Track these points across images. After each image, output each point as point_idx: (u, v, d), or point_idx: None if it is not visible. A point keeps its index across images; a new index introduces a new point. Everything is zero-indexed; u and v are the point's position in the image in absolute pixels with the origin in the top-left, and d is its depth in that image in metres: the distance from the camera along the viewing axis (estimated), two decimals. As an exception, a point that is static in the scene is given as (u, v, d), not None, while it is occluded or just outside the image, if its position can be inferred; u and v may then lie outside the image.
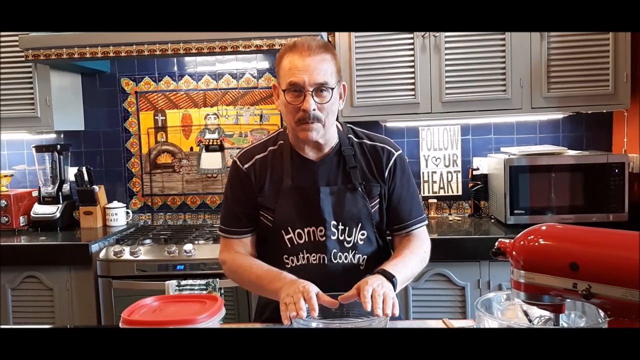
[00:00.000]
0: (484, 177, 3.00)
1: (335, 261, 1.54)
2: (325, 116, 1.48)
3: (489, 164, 3.00)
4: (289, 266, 1.56)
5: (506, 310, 1.25)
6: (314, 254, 1.54)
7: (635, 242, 0.96)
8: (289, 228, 1.55)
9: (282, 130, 1.65)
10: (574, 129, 3.07)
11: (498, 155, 2.84)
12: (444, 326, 1.45)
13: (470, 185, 3.03)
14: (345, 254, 1.55)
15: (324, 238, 1.54)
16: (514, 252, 1.08)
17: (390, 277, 1.39)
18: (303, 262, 1.55)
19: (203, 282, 2.47)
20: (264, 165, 1.59)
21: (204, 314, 1.19)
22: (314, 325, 1.25)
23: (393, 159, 1.60)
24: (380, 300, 1.27)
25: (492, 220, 2.90)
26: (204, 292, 2.45)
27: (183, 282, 2.47)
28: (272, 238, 1.57)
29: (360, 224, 1.56)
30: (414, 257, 1.55)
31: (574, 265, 1.00)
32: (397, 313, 1.29)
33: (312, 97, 1.44)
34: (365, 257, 1.57)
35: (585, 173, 2.62)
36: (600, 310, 1.04)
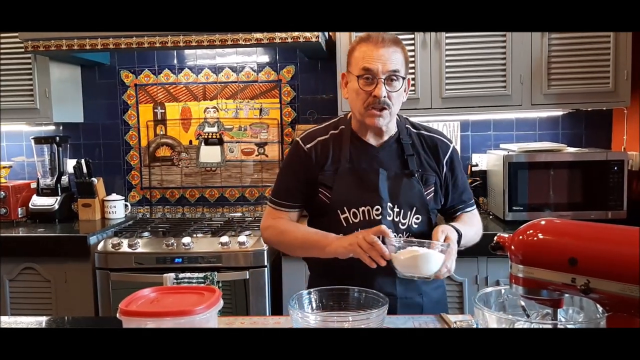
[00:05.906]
0: (483, 174, 3.00)
1: None
2: (393, 104, 1.57)
3: (488, 161, 2.99)
4: None
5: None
6: None
7: (634, 237, 0.96)
8: (345, 208, 1.60)
9: (342, 116, 1.72)
10: (573, 126, 3.07)
11: (497, 152, 2.84)
12: (441, 321, 1.46)
13: (469, 181, 3.03)
14: (400, 235, 1.59)
15: (380, 217, 1.58)
16: (512, 247, 1.08)
17: (457, 231, 1.53)
18: None
19: (201, 275, 2.47)
20: (325, 147, 1.65)
21: (202, 305, 1.18)
22: (312, 318, 1.25)
23: (449, 151, 1.69)
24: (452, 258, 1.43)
25: (491, 217, 2.90)
26: (202, 285, 2.44)
27: (181, 275, 2.47)
28: (329, 216, 1.62)
29: (415, 209, 1.61)
30: (471, 227, 1.66)
31: (573, 260, 1.00)
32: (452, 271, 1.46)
33: (384, 84, 1.52)
34: None
35: (584, 170, 2.62)
36: (598, 306, 1.04)
